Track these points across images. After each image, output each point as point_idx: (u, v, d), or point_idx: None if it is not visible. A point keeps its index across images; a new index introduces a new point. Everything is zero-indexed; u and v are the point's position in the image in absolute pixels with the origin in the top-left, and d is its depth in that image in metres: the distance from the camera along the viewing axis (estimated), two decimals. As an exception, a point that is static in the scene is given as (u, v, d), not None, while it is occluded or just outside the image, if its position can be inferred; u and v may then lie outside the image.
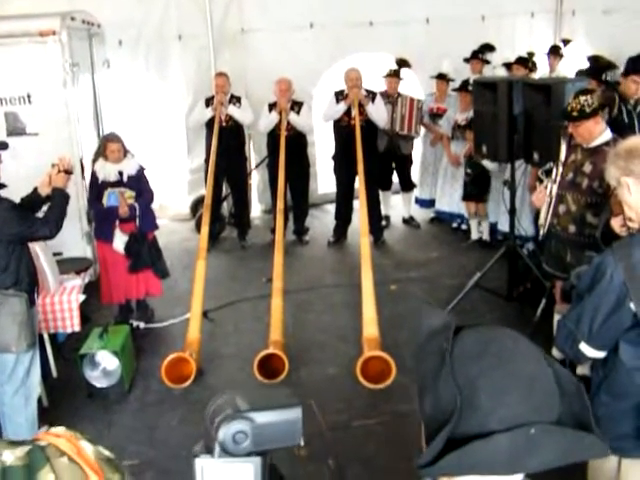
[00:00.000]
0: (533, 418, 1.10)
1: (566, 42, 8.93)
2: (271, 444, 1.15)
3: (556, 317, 4.80)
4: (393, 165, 8.35)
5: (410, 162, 8.49)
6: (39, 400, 4.26)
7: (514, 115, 5.35)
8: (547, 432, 1.09)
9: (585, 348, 2.54)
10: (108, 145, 5.63)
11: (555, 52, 8.47)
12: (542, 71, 8.50)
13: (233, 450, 1.11)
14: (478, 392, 1.11)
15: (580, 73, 6.81)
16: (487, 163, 6.93)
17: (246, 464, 1.12)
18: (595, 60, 6.88)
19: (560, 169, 4.44)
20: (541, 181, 4.63)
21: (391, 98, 7.88)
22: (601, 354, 2.55)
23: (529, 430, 1.08)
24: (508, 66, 8.12)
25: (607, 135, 4.25)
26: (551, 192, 4.45)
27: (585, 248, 4.10)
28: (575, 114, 4.23)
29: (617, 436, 2.51)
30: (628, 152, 2.54)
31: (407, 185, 8.53)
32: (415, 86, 9.07)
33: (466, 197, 7.66)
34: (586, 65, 7.16)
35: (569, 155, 4.43)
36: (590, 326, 2.49)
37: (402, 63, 8.09)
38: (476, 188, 7.47)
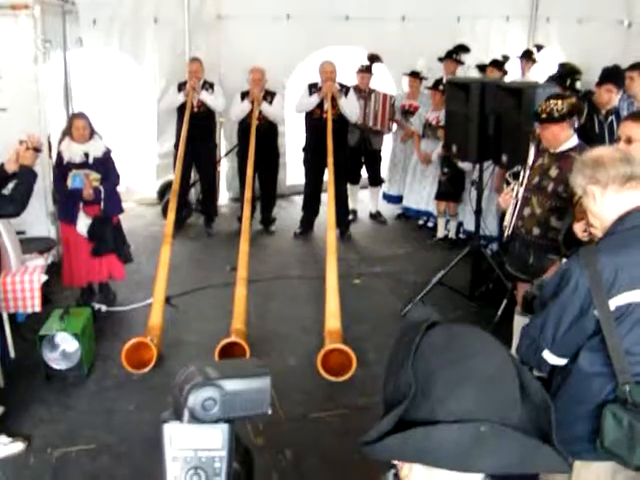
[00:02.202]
0: (485, 416, 1.10)
1: (539, 48, 9.04)
2: (239, 412, 1.16)
3: (516, 318, 4.87)
4: (363, 160, 8.40)
5: (380, 157, 8.54)
6: (-5, 380, 4.21)
7: (485, 116, 5.42)
8: (498, 433, 1.09)
9: (548, 356, 2.57)
10: (74, 122, 5.58)
11: (528, 57, 8.58)
12: (514, 75, 8.59)
13: (202, 416, 1.12)
14: (434, 382, 1.13)
15: (550, 79, 6.91)
16: (461, 163, 6.99)
17: (214, 430, 1.14)
18: (561, 67, 6.99)
19: (527, 172, 4.51)
20: (508, 183, 4.69)
21: (363, 93, 7.92)
22: (563, 361, 2.59)
23: (479, 427, 1.08)
24: (482, 68, 8.20)
25: (574, 141, 4.32)
26: (517, 194, 4.52)
27: (548, 251, 4.17)
28: (544, 116, 4.29)
29: (571, 439, 2.55)
30: (594, 161, 2.57)
31: (375, 180, 8.58)
32: (387, 82, 9.12)
33: (440, 196, 7.71)
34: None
35: (537, 159, 4.49)
36: (554, 334, 2.52)
37: (374, 58, 8.12)
38: (452, 187, 7.52)
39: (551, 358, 2.57)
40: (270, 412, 1.20)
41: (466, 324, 1.25)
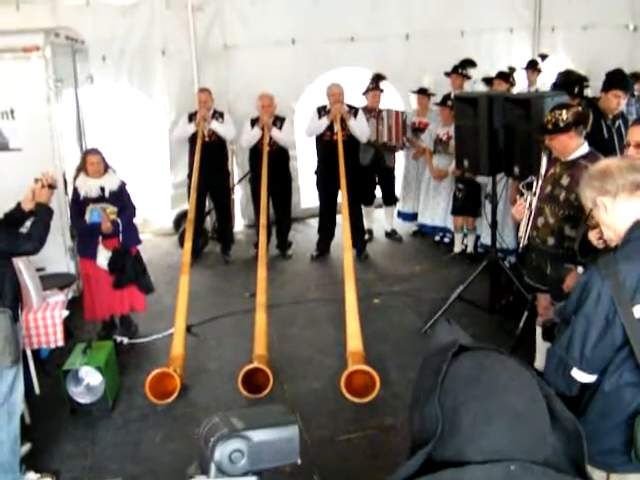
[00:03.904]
0: (514, 455, 1.09)
1: (544, 57, 9.06)
2: (268, 463, 1.13)
3: (538, 330, 4.84)
4: (376, 179, 8.40)
5: (393, 175, 8.55)
6: (21, 417, 4.22)
7: (495, 129, 5.42)
8: (528, 471, 1.08)
9: (577, 374, 2.51)
10: (88, 158, 5.66)
11: (533, 67, 8.60)
12: (521, 86, 8.61)
13: (229, 470, 1.10)
14: (461, 419, 1.11)
15: (554, 88, 6.90)
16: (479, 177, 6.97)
17: None
18: (567, 75, 6.96)
19: (540, 182, 4.51)
20: (522, 194, 4.68)
21: (374, 112, 7.94)
22: (593, 378, 2.52)
23: (509, 466, 1.07)
24: (488, 81, 8.22)
25: (584, 149, 4.32)
26: (531, 205, 4.51)
27: (564, 260, 4.15)
28: (550, 127, 4.32)
29: (605, 451, 2.51)
30: (602, 173, 2.56)
31: (390, 198, 8.58)
32: (395, 101, 9.15)
33: (456, 211, 7.71)
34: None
35: (549, 168, 4.49)
36: (582, 349, 2.46)
37: (379, 77, 8.15)
38: (469, 202, 7.51)
39: (580, 376, 2.51)
40: (300, 462, 1.17)
41: (493, 351, 1.22)
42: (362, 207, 8.09)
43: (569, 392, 2.57)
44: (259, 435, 1.13)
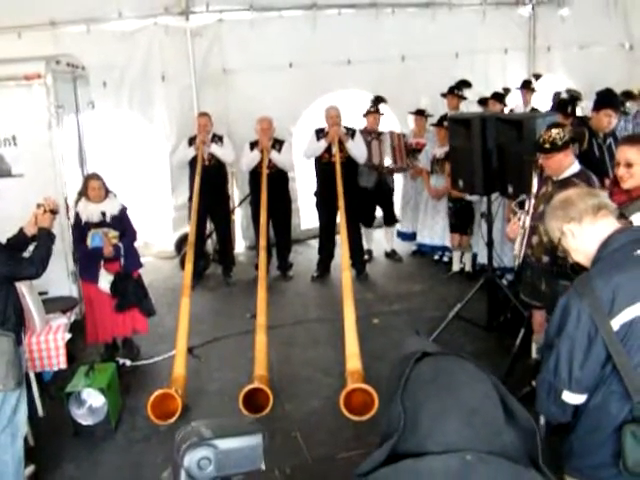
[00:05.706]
0: (470, 446, 1.17)
1: (537, 77, 9.17)
2: (234, 469, 1.22)
3: (534, 346, 4.90)
4: (377, 201, 8.46)
5: (393, 196, 8.61)
6: (25, 439, 4.26)
7: (488, 149, 5.50)
8: (483, 461, 1.16)
9: (568, 396, 2.52)
10: (89, 183, 5.74)
11: (527, 87, 8.70)
12: (516, 106, 8.71)
13: (198, 476, 1.19)
14: (421, 415, 1.20)
15: (554, 108, 6.99)
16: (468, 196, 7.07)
17: None
18: (560, 94, 7.06)
19: (532, 201, 4.58)
20: (515, 213, 4.76)
21: (373, 134, 8.02)
22: (583, 398, 2.54)
23: (464, 456, 1.15)
24: (483, 102, 8.32)
25: (575, 167, 4.40)
26: (524, 224, 4.58)
27: (558, 277, 4.21)
28: (547, 146, 4.38)
29: (595, 466, 2.55)
30: (564, 202, 2.68)
31: (390, 219, 8.64)
32: (392, 122, 9.25)
33: (452, 229, 7.81)
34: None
35: (540, 187, 4.56)
36: (569, 371, 2.49)
37: (378, 100, 8.26)
38: (459, 221, 7.61)
39: (571, 398, 2.53)
40: (264, 468, 1.26)
41: (453, 355, 1.32)
42: (362, 228, 8.16)
43: (564, 417, 2.60)
44: (225, 443, 1.22)
